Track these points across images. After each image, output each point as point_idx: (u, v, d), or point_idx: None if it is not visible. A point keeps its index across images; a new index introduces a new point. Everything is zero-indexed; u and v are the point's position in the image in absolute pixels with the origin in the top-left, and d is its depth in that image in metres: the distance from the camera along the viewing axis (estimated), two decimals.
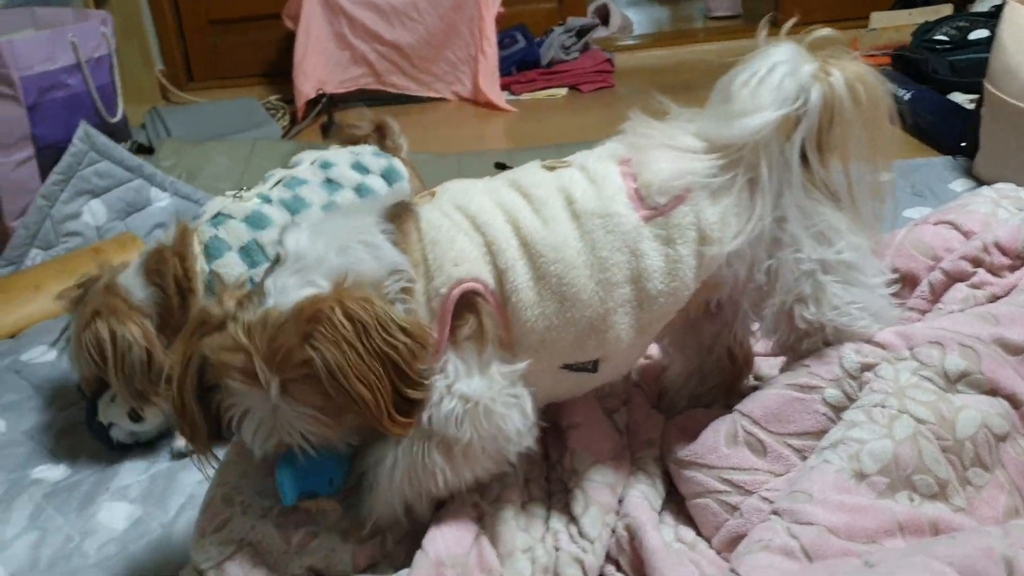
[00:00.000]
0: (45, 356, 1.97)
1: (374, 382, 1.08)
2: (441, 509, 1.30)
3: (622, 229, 1.23)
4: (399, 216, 1.23)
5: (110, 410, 1.62)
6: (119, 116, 2.65)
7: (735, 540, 1.21)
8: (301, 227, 1.19)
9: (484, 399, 1.18)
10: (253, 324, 1.09)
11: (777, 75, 1.24)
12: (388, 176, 1.85)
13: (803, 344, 1.31)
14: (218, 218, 1.66)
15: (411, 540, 1.31)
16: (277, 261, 1.17)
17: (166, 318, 1.58)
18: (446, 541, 1.22)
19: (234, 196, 1.71)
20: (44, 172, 2.37)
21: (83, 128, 2.39)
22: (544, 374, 1.27)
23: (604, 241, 1.23)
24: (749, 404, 1.30)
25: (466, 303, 1.20)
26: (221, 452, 1.29)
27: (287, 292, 1.11)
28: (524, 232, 1.22)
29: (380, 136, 1.99)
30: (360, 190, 1.79)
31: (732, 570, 1.08)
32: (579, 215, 1.24)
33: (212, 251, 1.61)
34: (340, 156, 1.85)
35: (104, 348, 1.51)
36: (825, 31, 1.29)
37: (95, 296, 1.56)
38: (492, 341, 1.21)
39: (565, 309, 1.22)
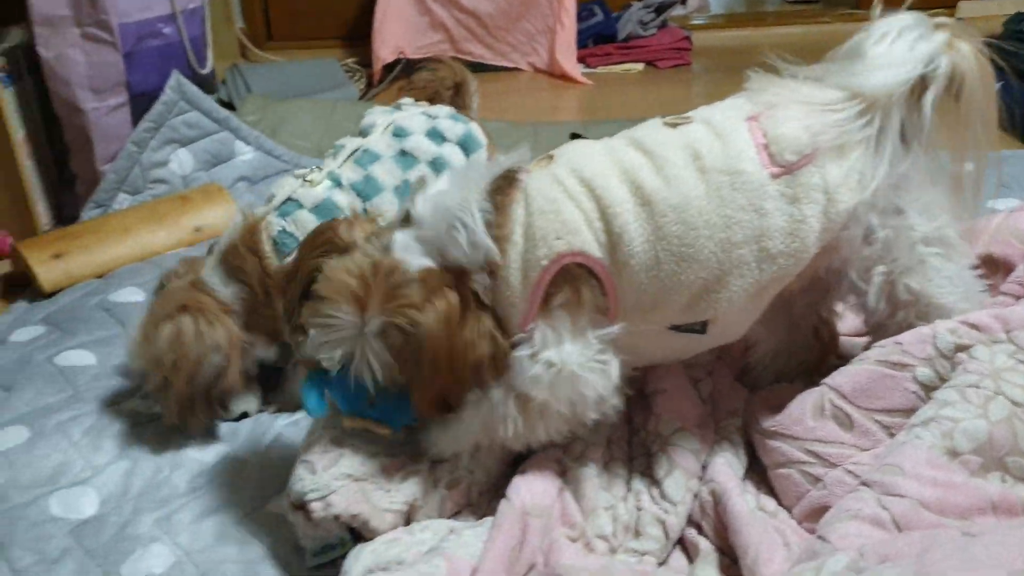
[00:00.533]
0: (133, 296, 2.02)
1: (444, 368, 1.17)
2: (525, 462, 1.33)
3: (749, 187, 1.23)
4: (503, 189, 1.24)
5: None
6: (208, 68, 2.70)
7: (817, 511, 1.22)
8: (432, 193, 1.23)
9: (571, 364, 1.21)
10: (381, 264, 1.18)
11: (910, 36, 1.25)
12: (466, 144, 1.76)
13: (896, 317, 1.31)
14: (287, 206, 1.59)
15: (492, 494, 1.34)
16: (407, 216, 1.23)
17: (251, 315, 1.57)
18: (531, 492, 1.25)
19: (304, 179, 1.63)
20: (136, 119, 2.42)
21: (175, 77, 2.44)
22: (651, 335, 1.28)
23: (729, 199, 1.22)
24: (838, 378, 1.31)
25: (565, 273, 1.21)
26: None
27: (411, 253, 1.19)
28: (645, 192, 1.22)
29: (455, 94, 1.91)
30: (435, 164, 1.70)
31: (820, 536, 1.09)
32: (705, 171, 1.23)
33: (281, 247, 1.56)
34: (415, 122, 1.73)
35: (183, 346, 1.49)
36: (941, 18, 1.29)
37: (181, 291, 1.55)
38: (589, 310, 1.23)
39: (682, 270, 1.23)
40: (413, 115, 1.76)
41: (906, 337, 1.29)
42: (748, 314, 1.33)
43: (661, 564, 1.23)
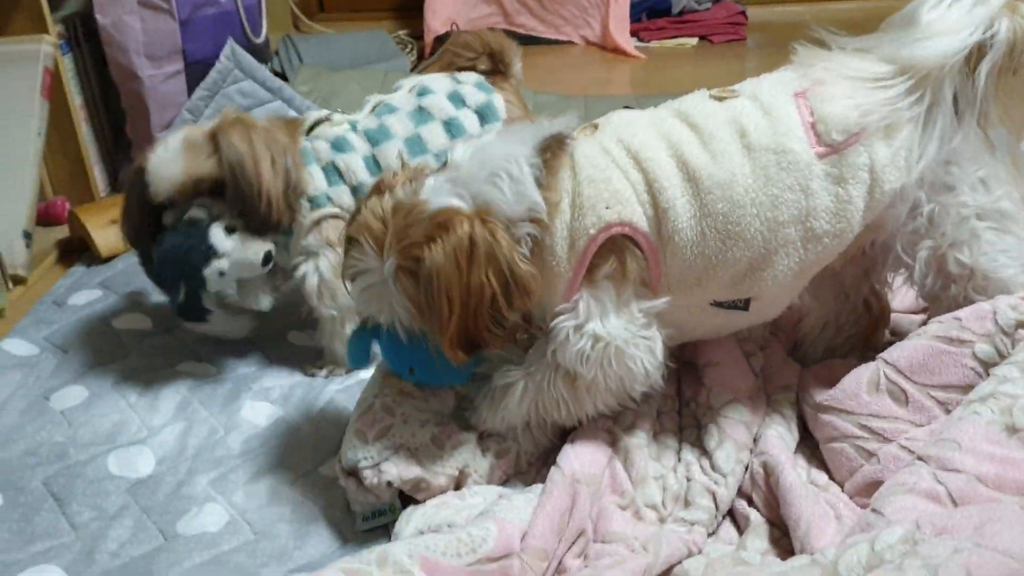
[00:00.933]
0: None
1: (457, 304, 1.15)
2: (575, 432, 1.33)
3: (796, 166, 1.21)
4: (552, 149, 1.23)
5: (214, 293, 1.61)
6: (263, 37, 2.71)
7: (870, 486, 1.21)
8: (470, 142, 1.25)
9: (616, 340, 1.20)
10: (400, 205, 1.19)
11: (967, 0, 1.21)
12: (483, 113, 1.73)
13: (950, 290, 1.29)
14: (311, 133, 1.66)
15: (542, 462, 1.35)
16: (445, 163, 1.24)
17: None
18: (581, 461, 1.25)
19: (326, 119, 1.69)
20: (191, 87, 2.44)
21: (230, 46, 2.45)
22: (693, 310, 1.27)
23: (777, 178, 1.21)
24: (895, 353, 1.29)
25: (611, 244, 1.21)
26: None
27: (439, 194, 1.18)
28: (691, 168, 1.21)
29: (493, 61, 1.84)
30: (449, 125, 1.69)
31: (874, 509, 1.08)
32: (751, 149, 1.22)
33: (302, 159, 1.63)
34: (440, 83, 1.75)
35: (255, 142, 1.55)
36: None
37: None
38: (633, 282, 1.22)
39: (727, 248, 1.22)
40: (440, 78, 1.78)
41: (965, 313, 1.27)
42: (790, 292, 1.31)
43: (711, 535, 1.23)
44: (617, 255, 1.21)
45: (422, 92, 1.73)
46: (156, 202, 1.57)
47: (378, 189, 1.24)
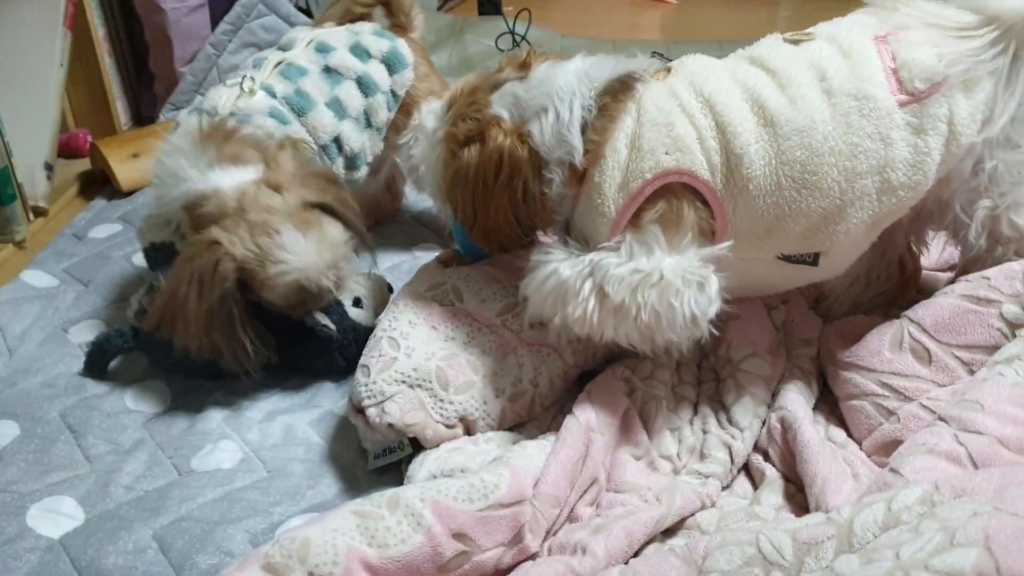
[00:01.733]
0: None
1: (480, 206, 1.24)
2: (592, 380, 1.32)
3: (877, 114, 1.16)
4: (616, 93, 1.20)
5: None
6: None
7: (889, 444, 1.20)
8: (549, 65, 1.24)
9: (666, 272, 1.15)
10: (479, 87, 1.27)
11: None
12: (390, 62, 1.68)
13: (995, 252, 1.26)
14: (240, 116, 1.48)
15: (556, 409, 1.34)
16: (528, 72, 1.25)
17: None
18: (597, 409, 1.24)
19: (241, 88, 1.53)
20: (214, 21, 2.42)
21: None
22: (759, 263, 1.23)
23: (856, 126, 1.16)
24: (920, 311, 1.27)
25: (667, 191, 1.17)
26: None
27: (497, 104, 1.23)
28: (768, 112, 1.16)
29: (390, 12, 1.79)
30: (362, 82, 1.64)
31: (892, 469, 1.06)
32: (831, 94, 1.16)
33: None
34: (337, 37, 1.67)
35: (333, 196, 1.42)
36: None
37: None
38: (690, 230, 1.18)
39: (802, 198, 1.17)
40: (335, 31, 1.69)
41: (994, 272, 1.24)
42: (860, 247, 1.27)
43: (725, 488, 1.22)
44: (670, 203, 1.17)
45: (323, 49, 1.64)
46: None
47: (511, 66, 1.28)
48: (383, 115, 1.68)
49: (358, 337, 1.42)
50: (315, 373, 1.46)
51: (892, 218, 1.23)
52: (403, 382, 1.24)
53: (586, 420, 1.21)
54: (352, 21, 1.76)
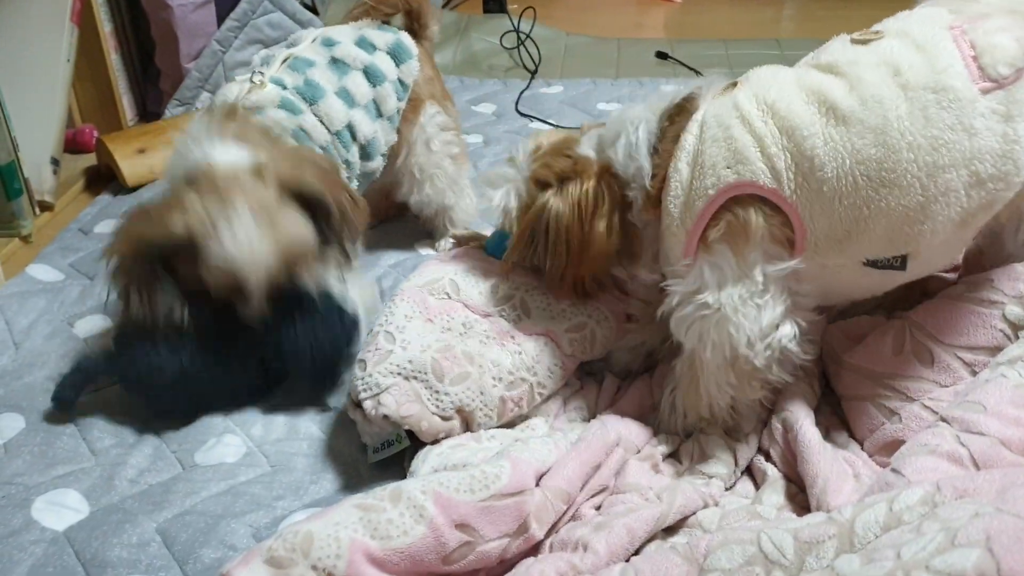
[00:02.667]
0: None
1: (564, 250, 1.27)
2: (622, 393, 1.36)
3: (958, 104, 1.10)
4: (675, 115, 1.23)
5: None
6: None
7: (890, 445, 1.20)
8: (625, 108, 1.30)
9: (725, 307, 1.16)
10: (567, 139, 1.34)
11: None
12: (395, 53, 1.69)
13: None
14: (252, 108, 1.48)
15: (562, 400, 1.35)
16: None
17: None
18: (627, 426, 1.26)
19: (251, 81, 1.52)
20: (220, 18, 2.42)
21: None
22: (844, 270, 1.20)
23: (936, 118, 1.10)
24: (922, 313, 1.27)
25: (734, 204, 1.14)
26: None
27: (588, 141, 1.31)
28: (840, 111, 1.12)
29: (410, 19, 1.79)
30: (368, 72, 1.64)
31: (894, 469, 1.07)
32: (907, 88, 1.11)
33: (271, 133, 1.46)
34: (342, 32, 1.69)
35: (311, 168, 1.38)
36: None
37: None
38: (761, 242, 1.15)
39: (881, 197, 1.12)
40: (340, 27, 1.72)
41: (997, 273, 1.25)
42: (952, 248, 1.22)
43: (728, 489, 1.22)
44: (738, 217, 1.15)
45: (328, 43, 1.64)
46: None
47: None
48: (392, 103, 1.68)
49: (318, 356, 1.34)
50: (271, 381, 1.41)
51: (986, 214, 1.17)
52: (399, 374, 1.24)
53: (616, 434, 1.22)
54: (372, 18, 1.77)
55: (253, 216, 1.26)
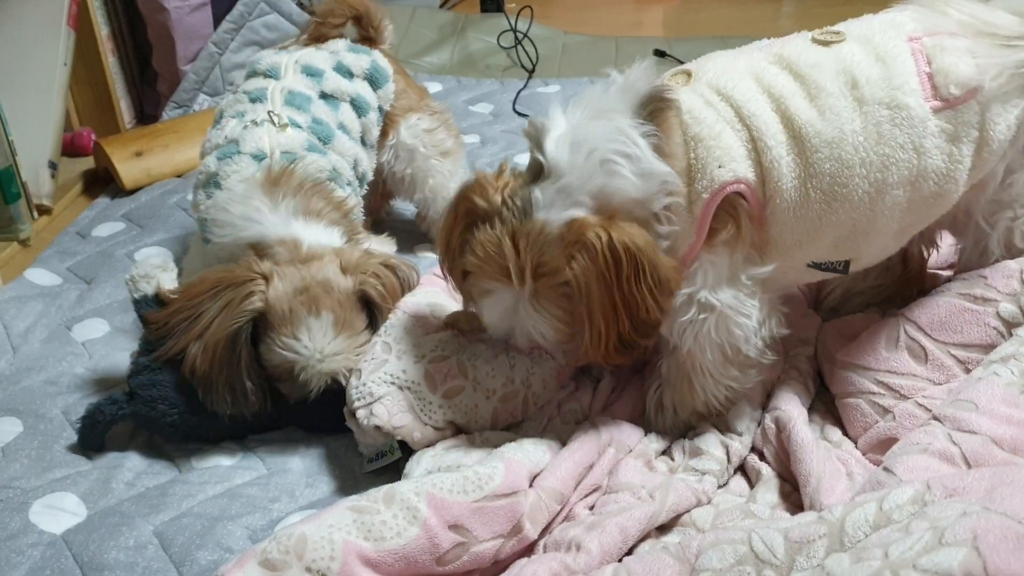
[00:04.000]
0: None
1: (611, 317, 1.09)
2: (615, 397, 1.36)
3: (910, 123, 1.12)
4: (658, 111, 1.11)
5: None
6: None
7: (884, 442, 1.20)
8: (559, 135, 1.10)
9: (724, 307, 1.15)
10: (521, 232, 1.09)
11: None
12: (372, 78, 1.67)
13: (1003, 260, 1.26)
14: (288, 155, 1.44)
15: (554, 407, 1.35)
16: (540, 171, 1.11)
17: None
18: (619, 428, 1.26)
19: (273, 124, 1.49)
20: (217, 20, 2.43)
21: None
22: (789, 271, 1.21)
23: (888, 136, 1.12)
24: (916, 310, 1.28)
25: (726, 204, 1.13)
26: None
27: (554, 209, 1.09)
28: (796, 124, 1.12)
29: (362, 26, 1.78)
30: (355, 103, 1.63)
31: (886, 468, 1.07)
32: (863, 103, 1.12)
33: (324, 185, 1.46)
34: (319, 59, 1.64)
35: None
36: None
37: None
38: (746, 243, 1.15)
39: (832, 210, 1.13)
40: (315, 53, 1.67)
41: (991, 271, 1.25)
42: (888, 251, 1.25)
43: (721, 487, 1.22)
44: (733, 216, 1.13)
45: (312, 73, 1.61)
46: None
47: (478, 215, 1.13)
48: (375, 133, 1.69)
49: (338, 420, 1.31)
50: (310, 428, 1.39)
51: (920, 227, 1.21)
52: (392, 383, 1.24)
53: (609, 436, 1.23)
54: (322, 40, 1.74)
55: (333, 327, 1.27)
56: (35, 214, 1.96)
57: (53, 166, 2.03)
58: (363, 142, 1.66)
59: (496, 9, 3.32)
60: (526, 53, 2.91)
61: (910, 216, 1.17)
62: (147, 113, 2.54)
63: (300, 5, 2.71)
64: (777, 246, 1.17)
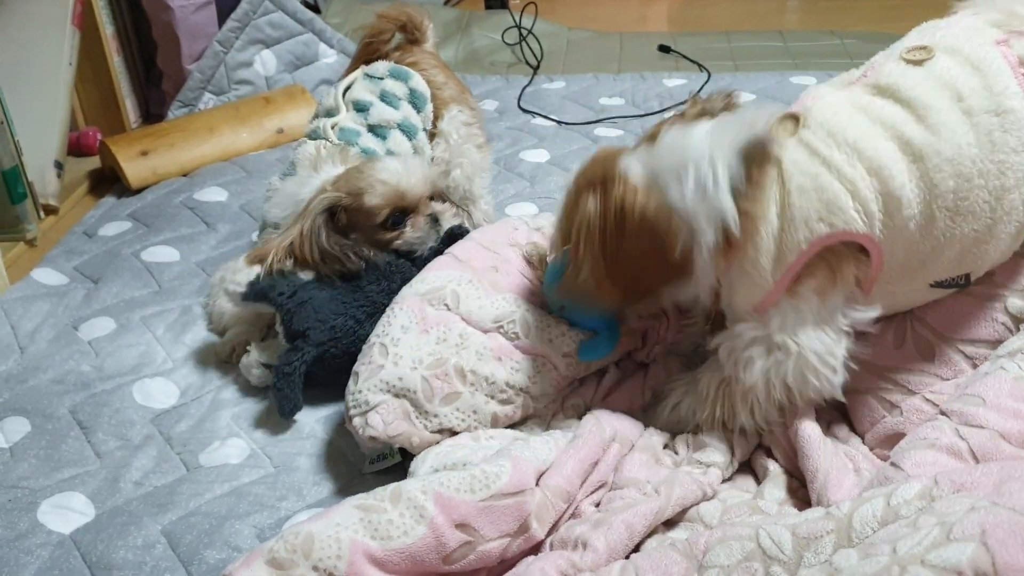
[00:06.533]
0: (216, 196, 2.05)
1: (616, 251, 1.13)
2: (616, 387, 1.35)
3: (1018, 125, 1.12)
4: (758, 161, 1.12)
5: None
6: None
7: (891, 438, 1.20)
8: (679, 127, 1.16)
9: (805, 351, 1.14)
10: (606, 152, 1.19)
11: None
12: (414, 102, 1.81)
13: None
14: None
15: (558, 404, 1.35)
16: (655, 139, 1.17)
17: None
18: (621, 423, 1.26)
19: (344, 146, 1.67)
20: (222, 19, 2.43)
21: None
22: (913, 294, 1.21)
23: (1001, 142, 1.11)
24: (923, 306, 1.27)
25: (825, 252, 1.12)
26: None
27: (621, 163, 1.15)
28: (915, 147, 1.11)
29: (407, 32, 1.93)
30: (403, 127, 1.76)
31: (893, 463, 1.07)
32: (971, 114, 1.11)
33: None
34: (365, 90, 1.78)
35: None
36: None
37: None
38: (845, 286, 1.15)
39: (956, 225, 1.13)
40: (361, 84, 1.80)
41: (998, 266, 1.24)
42: (1004, 255, 1.23)
43: (726, 480, 1.22)
44: (829, 265, 1.13)
45: (361, 108, 1.75)
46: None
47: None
48: (427, 151, 1.82)
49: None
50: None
51: None
52: (388, 391, 1.24)
53: (612, 430, 1.23)
54: (374, 55, 1.92)
55: (397, 159, 1.53)
56: (41, 214, 1.97)
57: (59, 166, 2.04)
58: None
59: (500, 5, 3.32)
60: (531, 49, 2.90)
61: None
62: (153, 112, 2.54)
63: (305, 3, 2.71)
64: (902, 271, 1.16)
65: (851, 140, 1.12)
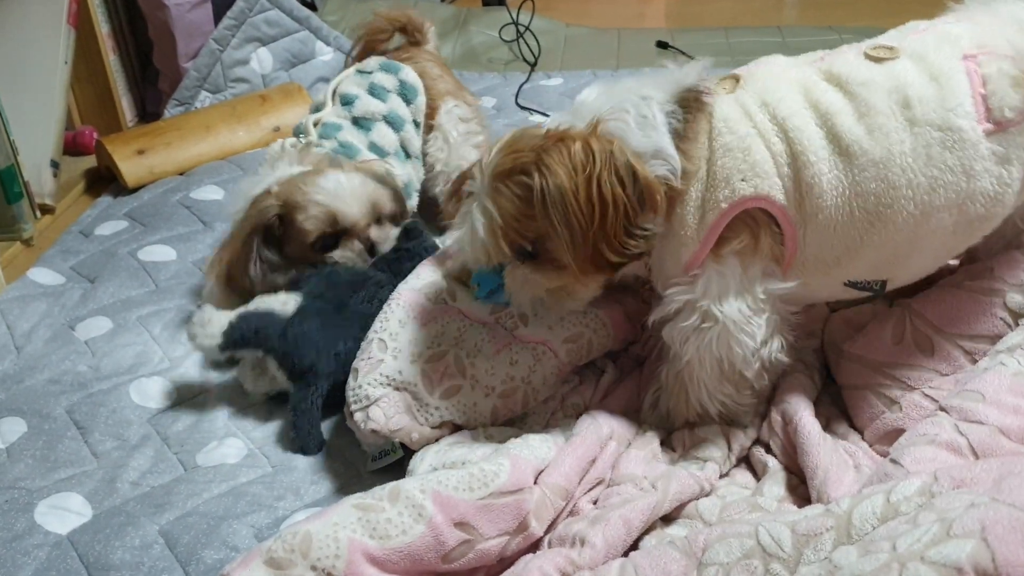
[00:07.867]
0: (213, 194, 2.05)
1: (582, 221, 1.08)
2: (612, 388, 1.35)
3: (961, 146, 1.09)
4: (691, 105, 1.12)
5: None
6: None
7: (891, 434, 1.20)
8: (595, 89, 1.17)
9: (728, 321, 1.14)
10: (518, 133, 1.15)
11: None
12: (404, 94, 1.81)
13: None
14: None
15: (557, 403, 1.34)
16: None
17: None
18: (617, 420, 1.26)
19: (307, 144, 1.68)
20: (217, 16, 2.42)
21: None
22: (824, 288, 1.21)
23: (938, 158, 1.09)
24: (923, 301, 1.27)
25: (745, 217, 1.11)
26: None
27: (554, 122, 1.14)
28: (843, 142, 1.10)
29: (407, 34, 1.95)
30: (389, 119, 1.76)
31: (893, 460, 1.07)
32: (914, 123, 1.10)
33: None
34: (353, 84, 1.79)
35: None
36: None
37: None
38: (764, 258, 1.14)
39: (875, 231, 1.11)
40: (350, 78, 1.82)
41: (998, 261, 1.24)
42: (926, 270, 1.23)
43: (724, 476, 1.22)
44: (751, 230, 1.12)
45: (346, 101, 1.76)
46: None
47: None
48: (417, 143, 1.81)
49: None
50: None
51: (963, 247, 1.19)
52: (388, 384, 1.24)
53: (609, 429, 1.22)
54: (372, 51, 1.94)
55: (340, 173, 1.49)
56: (37, 213, 1.96)
57: (55, 165, 2.03)
58: (407, 155, 1.78)
59: (498, 2, 3.31)
60: (528, 46, 2.90)
61: (954, 238, 1.15)
62: (149, 111, 2.54)
63: (303, 2, 2.71)
64: (815, 263, 1.15)
65: (781, 116, 1.12)
